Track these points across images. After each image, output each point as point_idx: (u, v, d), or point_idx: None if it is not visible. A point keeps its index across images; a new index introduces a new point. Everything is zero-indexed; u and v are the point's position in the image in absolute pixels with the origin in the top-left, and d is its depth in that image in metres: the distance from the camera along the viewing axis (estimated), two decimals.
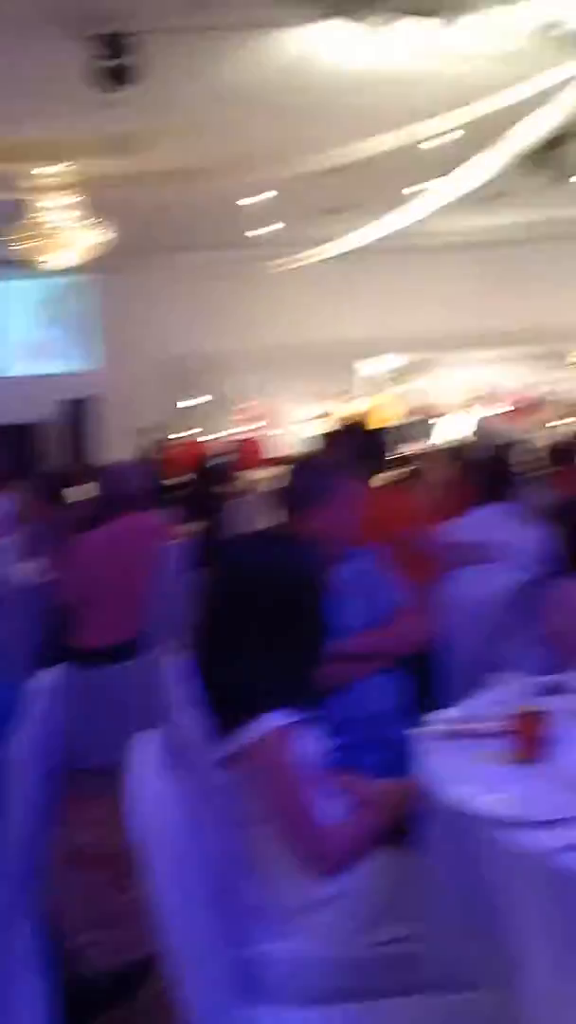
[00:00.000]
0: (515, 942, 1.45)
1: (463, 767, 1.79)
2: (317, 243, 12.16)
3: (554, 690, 2.11)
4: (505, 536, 3.94)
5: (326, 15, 6.58)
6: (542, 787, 1.66)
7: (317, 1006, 1.67)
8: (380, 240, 11.59)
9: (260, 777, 1.82)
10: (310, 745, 1.90)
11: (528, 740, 1.78)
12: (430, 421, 16.27)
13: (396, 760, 2.37)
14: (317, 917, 1.87)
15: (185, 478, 6.96)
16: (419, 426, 16.25)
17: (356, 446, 4.63)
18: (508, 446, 7.92)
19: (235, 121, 9.59)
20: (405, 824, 1.93)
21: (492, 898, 1.52)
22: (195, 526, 5.51)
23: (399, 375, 17.67)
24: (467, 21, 6.68)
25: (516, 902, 1.46)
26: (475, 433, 10.45)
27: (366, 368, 17.86)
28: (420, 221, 11.51)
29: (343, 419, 16.20)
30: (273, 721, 1.80)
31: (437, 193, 10.11)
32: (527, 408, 16.33)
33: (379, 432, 15.73)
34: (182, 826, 1.68)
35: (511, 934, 1.46)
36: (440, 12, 6.46)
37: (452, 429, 15.06)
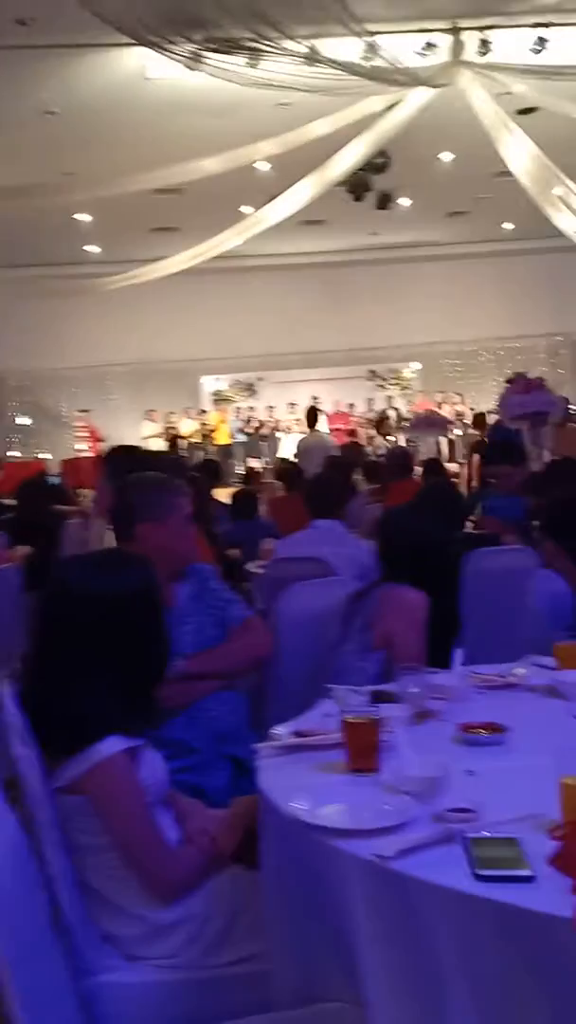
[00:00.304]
0: (358, 950, 1.46)
1: (301, 780, 1.79)
2: (149, 262, 12.14)
3: (386, 698, 2.16)
4: (339, 549, 4.03)
5: (139, 43, 6.61)
6: (376, 795, 1.69)
7: None
8: (216, 260, 11.70)
9: (99, 805, 1.78)
10: (150, 769, 1.87)
11: (361, 749, 1.81)
12: (274, 436, 16.51)
13: (242, 777, 2.37)
14: (163, 944, 1.85)
15: (16, 499, 6.73)
16: (258, 442, 16.46)
17: (197, 462, 4.63)
18: (341, 462, 8.14)
19: (60, 140, 9.46)
20: (250, 841, 1.93)
21: (334, 909, 1.53)
22: (26, 549, 5.34)
23: (239, 392, 17.83)
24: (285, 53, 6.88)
25: (356, 911, 1.47)
26: (310, 449, 10.63)
27: (208, 385, 17.94)
28: (254, 243, 11.73)
29: (182, 435, 16.23)
30: (110, 747, 1.77)
31: (263, 217, 10.32)
32: (359, 425, 16.83)
33: (219, 448, 15.76)
34: (15, 858, 1.62)
35: (354, 943, 1.47)
36: (241, 52, 6.62)
37: (289, 446, 15.31)
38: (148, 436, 16.20)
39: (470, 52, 8.16)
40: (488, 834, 1.49)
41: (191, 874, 1.88)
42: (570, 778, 1.51)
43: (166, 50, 6.86)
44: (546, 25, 8.12)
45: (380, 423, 16.39)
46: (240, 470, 15.16)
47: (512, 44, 8.21)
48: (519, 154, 9.34)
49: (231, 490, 7.25)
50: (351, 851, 1.50)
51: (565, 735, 1.97)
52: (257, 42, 6.82)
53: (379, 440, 16.00)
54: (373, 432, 16.54)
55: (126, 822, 1.79)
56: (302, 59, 7.13)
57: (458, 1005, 1.36)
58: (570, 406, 14.35)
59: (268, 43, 6.80)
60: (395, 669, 2.21)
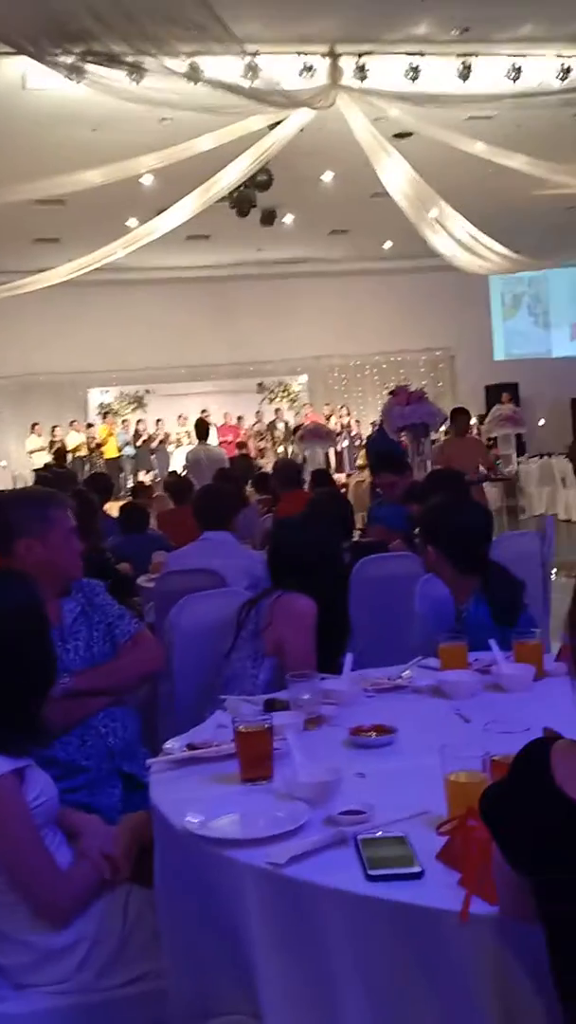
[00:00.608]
0: (253, 961, 1.46)
1: (194, 792, 1.79)
2: (31, 273, 11.91)
3: (278, 706, 2.17)
4: (230, 561, 4.04)
5: (19, 52, 6.51)
6: (269, 803, 1.70)
7: None
8: (102, 273, 11.58)
9: None
10: (38, 789, 1.83)
11: (254, 758, 1.82)
12: (164, 449, 16.39)
13: (135, 794, 2.34)
14: (53, 969, 1.80)
15: None
16: (148, 455, 16.32)
17: (85, 476, 4.56)
18: (231, 474, 8.16)
19: None
20: (142, 858, 1.91)
21: (230, 920, 1.53)
22: None
23: (127, 405, 17.65)
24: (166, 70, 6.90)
25: (251, 920, 1.48)
26: (200, 462, 10.61)
27: (95, 398, 17.68)
28: (141, 256, 11.67)
29: (68, 449, 15.93)
30: None
31: (149, 231, 10.29)
32: (248, 437, 16.91)
33: (108, 461, 15.50)
34: None
35: (249, 953, 1.47)
36: (123, 67, 6.61)
37: (179, 458, 15.25)
38: (33, 450, 15.86)
39: (347, 76, 8.36)
40: (379, 834, 1.52)
41: (82, 896, 1.84)
42: (455, 774, 1.56)
43: (46, 61, 6.77)
44: (419, 54, 8.40)
45: (274, 436, 16.60)
46: (130, 484, 14.99)
47: (388, 71, 8.45)
48: (396, 176, 9.59)
49: (121, 503, 7.16)
50: (245, 860, 1.50)
51: (450, 733, 2.02)
52: (138, 57, 6.81)
53: (269, 451, 16.13)
54: (263, 444, 16.65)
55: (13, 846, 1.75)
56: (183, 77, 7.15)
57: (353, 1007, 1.37)
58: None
59: (149, 59, 6.79)
60: (286, 676, 2.22)
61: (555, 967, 1.07)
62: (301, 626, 2.62)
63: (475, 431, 15.27)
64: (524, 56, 8.67)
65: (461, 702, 2.24)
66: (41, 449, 15.94)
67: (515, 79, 8.79)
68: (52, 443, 15.96)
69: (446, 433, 9.51)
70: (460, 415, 8.88)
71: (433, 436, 12.32)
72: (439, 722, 2.14)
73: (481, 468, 8.40)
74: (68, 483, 8.39)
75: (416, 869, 1.42)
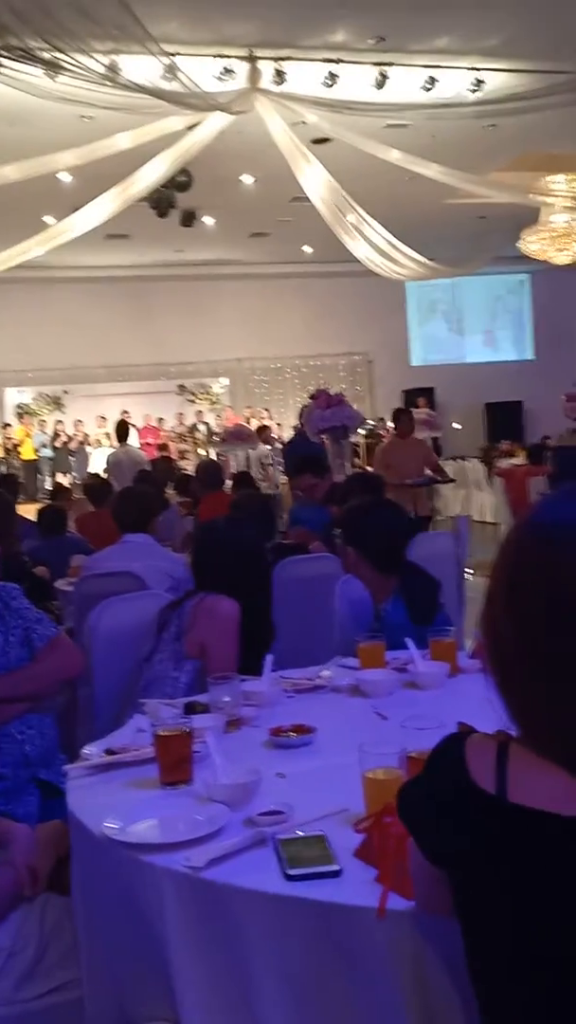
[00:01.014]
0: (173, 966, 1.45)
1: (113, 798, 1.77)
2: None
3: (199, 708, 2.17)
4: (151, 563, 4.01)
5: None
6: (189, 806, 1.70)
7: None
8: (18, 271, 11.35)
9: None
10: None
11: (174, 762, 1.81)
12: (83, 451, 16.14)
13: (52, 801, 2.31)
14: None
15: None
16: (67, 457, 16.06)
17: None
18: (152, 476, 8.10)
19: None
20: (59, 867, 1.88)
21: (149, 926, 1.52)
22: None
23: (45, 406, 17.34)
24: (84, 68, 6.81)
25: (171, 925, 1.46)
26: (120, 463, 10.50)
27: (12, 398, 17.32)
28: (59, 254, 11.48)
29: None
30: None
31: (67, 228, 10.13)
32: (170, 439, 16.80)
33: (25, 463, 15.16)
34: None
35: (169, 959, 1.46)
36: (39, 64, 6.52)
37: (99, 460, 15.05)
38: None
39: (266, 80, 8.39)
40: (298, 834, 1.53)
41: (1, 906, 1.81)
42: (372, 772, 1.58)
43: None
44: (337, 62, 8.48)
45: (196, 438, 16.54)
46: (48, 486, 14.75)
47: (306, 76, 8.52)
48: (315, 181, 9.65)
49: (38, 506, 7.04)
50: (164, 865, 1.49)
51: (368, 731, 2.05)
52: (55, 54, 6.71)
53: (190, 454, 16.05)
54: (184, 446, 16.57)
55: None
56: (101, 76, 7.07)
57: (272, 1007, 1.37)
58: (369, 421, 15.02)
59: (66, 57, 6.70)
60: (207, 679, 2.22)
61: (470, 961, 1.10)
62: (224, 628, 2.61)
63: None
64: (439, 67, 8.83)
65: (379, 700, 2.27)
66: None
67: (429, 90, 8.95)
68: None
69: (367, 437, 9.45)
70: (403, 415, 8.47)
71: (353, 439, 12.44)
72: (358, 721, 2.17)
73: (427, 471, 8.11)
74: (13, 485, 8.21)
75: (335, 867, 1.43)
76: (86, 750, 2.04)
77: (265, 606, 2.79)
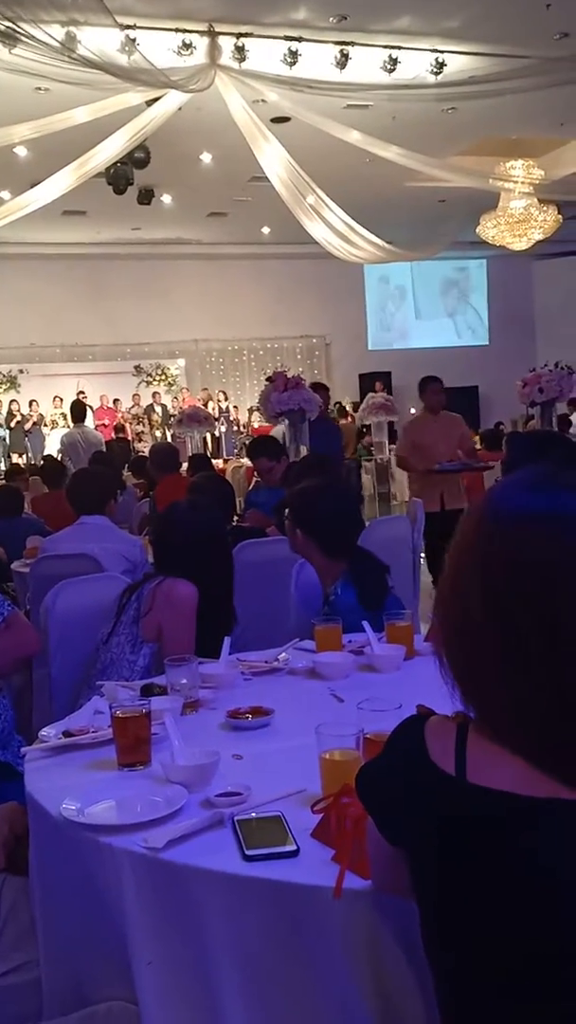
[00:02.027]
0: (130, 946, 1.46)
1: (71, 780, 1.77)
2: None
3: (156, 691, 2.17)
4: (107, 545, 3.99)
5: None
6: (147, 788, 1.70)
7: None
8: None
9: None
10: None
11: (131, 744, 1.81)
12: (39, 431, 15.93)
13: (9, 782, 2.30)
14: None
15: None
16: (23, 437, 15.85)
17: None
18: (108, 457, 8.05)
19: None
20: (17, 847, 1.88)
21: (107, 908, 1.52)
22: None
23: (0, 384, 17.08)
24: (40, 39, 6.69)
25: (129, 906, 1.47)
26: (76, 444, 10.40)
27: None
28: (13, 230, 11.28)
29: None
30: None
31: (22, 203, 9.96)
32: (126, 420, 16.65)
33: None
34: None
35: (126, 939, 1.47)
36: None
37: (53, 441, 14.88)
38: None
39: (226, 57, 8.30)
40: (255, 814, 1.54)
41: None
42: (329, 753, 1.60)
43: None
44: (298, 39, 8.42)
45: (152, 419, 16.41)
46: (1, 466, 14.56)
47: (266, 54, 8.44)
48: (274, 161, 9.60)
49: None
50: (122, 846, 1.49)
51: (325, 713, 2.06)
52: (11, 24, 6.56)
53: (147, 435, 15.94)
54: (140, 428, 16.44)
55: None
56: (57, 49, 6.94)
57: (230, 987, 1.39)
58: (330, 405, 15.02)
59: (21, 28, 6.56)
60: (166, 662, 2.23)
61: (426, 939, 1.12)
62: (181, 612, 2.62)
63: (349, 418, 15.55)
64: (400, 48, 8.81)
65: (335, 683, 2.29)
66: None
67: (391, 71, 8.93)
68: None
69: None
70: (431, 385, 6.85)
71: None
72: (314, 703, 2.18)
73: (460, 454, 6.76)
74: None
75: (292, 847, 1.44)
76: (44, 732, 2.04)
77: (226, 590, 2.79)
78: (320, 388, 8.07)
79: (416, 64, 9.01)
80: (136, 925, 1.46)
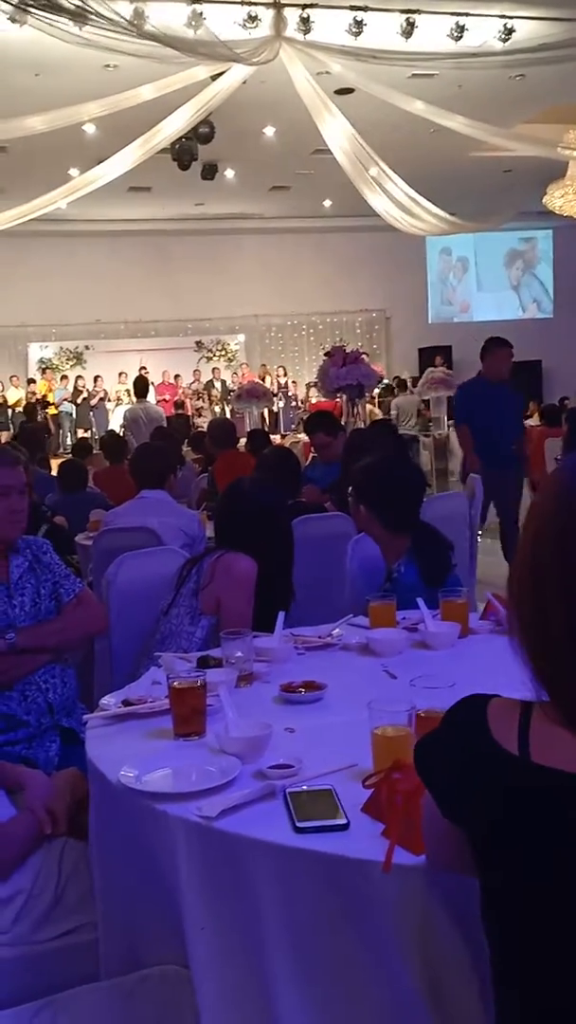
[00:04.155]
0: (184, 912, 1.49)
1: (130, 747, 1.81)
2: None
3: (212, 663, 2.21)
4: (166, 519, 4.05)
5: None
6: (202, 758, 1.74)
7: None
8: (42, 223, 11.29)
9: None
10: None
11: (187, 714, 1.85)
12: (103, 406, 16.15)
13: (72, 748, 2.38)
14: None
15: None
16: (88, 412, 16.08)
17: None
18: (169, 432, 8.11)
19: None
20: (78, 812, 1.94)
21: (162, 873, 1.56)
22: None
23: (67, 361, 17.32)
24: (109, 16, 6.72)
25: (183, 873, 1.50)
26: (138, 420, 10.52)
27: (35, 353, 17.30)
28: (81, 207, 11.40)
29: (8, 404, 15.61)
30: None
31: (90, 180, 10.05)
32: (186, 396, 16.77)
33: (50, 418, 15.15)
34: None
35: (180, 905, 1.50)
36: (65, 13, 6.43)
37: (117, 416, 15.07)
38: None
39: (291, 28, 8.23)
40: (306, 787, 1.56)
41: (21, 849, 1.86)
42: (381, 729, 1.62)
43: None
44: (363, 9, 8.29)
45: (215, 395, 16.50)
46: (69, 441, 14.79)
47: (331, 25, 8.34)
48: (337, 133, 9.50)
49: (59, 461, 7.10)
50: (177, 814, 1.52)
51: (377, 689, 2.07)
52: (80, 2, 6.60)
53: (206, 411, 16.03)
54: (200, 403, 16.54)
55: None
56: (126, 25, 6.96)
57: (280, 956, 1.41)
58: (384, 380, 14.91)
59: (90, 7, 6.59)
60: (221, 635, 2.26)
61: (486, 916, 1.12)
62: (239, 586, 2.64)
63: (408, 392, 15.41)
64: (467, 15, 8.63)
65: (388, 659, 2.30)
66: None
67: (458, 39, 8.75)
68: None
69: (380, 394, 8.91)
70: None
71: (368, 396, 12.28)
72: (367, 678, 2.20)
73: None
74: (40, 437, 8.23)
75: (342, 821, 1.46)
76: (104, 700, 2.10)
77: (284, 566, 2.80)
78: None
79: (483, 31, 8.81)
80: (189, 891, 1.49)
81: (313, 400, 15.71)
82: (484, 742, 1.08)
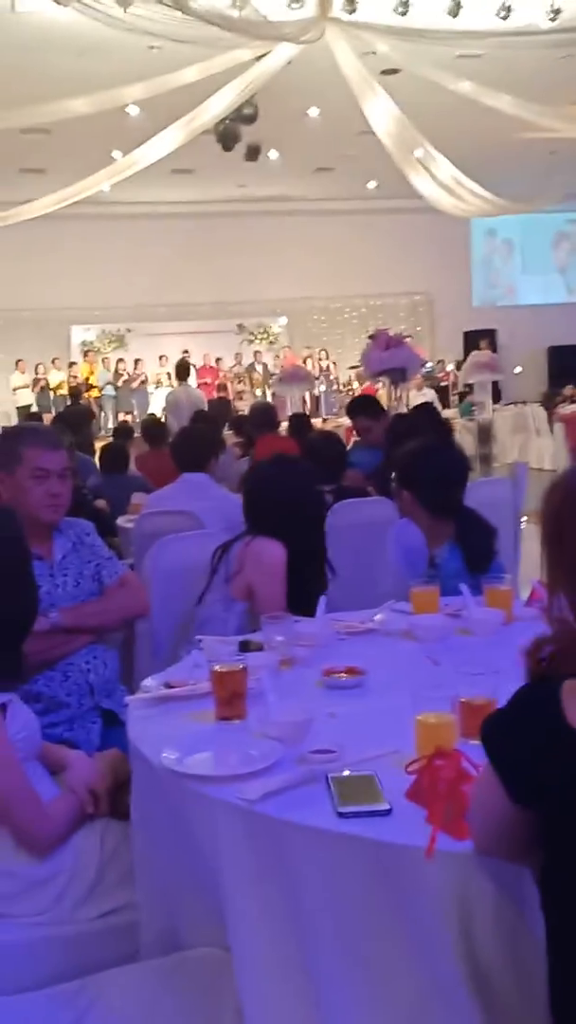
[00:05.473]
0: (225, 894, 1.50)
1: (171, 730, 1.82)
2: (16, 204, 11.62)
3: (253, 647, 2.21)
4: (207, 503, 4.06)
5: None
6: (243, 741, 1.74)
7: (36, 990, 1.65)
8: (84, 206, 11.34)
9: None
10: (20, 724, 1.85)
11: (229, 697, 1.85)
12: (144, 389, 16.24)
13: (113, 730, 2.39)
14: (33, 900, 1.84)
15: None
16: (129, 395, 16.19)
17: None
18: (210, 416, 8.12)
19: None
20: (119, 793, 1.95)
21: (203, 855, 1.56)
22: None
23: (109, 344, 17.43)
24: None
25: (224, 855, 1.51)
26: (179, 403, 10.55)
27: (78, 335, 17.42)
28: (124, 189, 11.42)
29: (50, 387, 15.76)
30: None
31: (133, 162, 10.06)
32: (227, 379, 16.79)
33: (93, 400, 15.22)
34: None
35: (221, 887, 1.51)
36: None
37: (158, 399, 15.14)
38: (17, 387, 15.68)
39: (337, 8, 8.14)
40: (348, 772, 1.56)
41: (63, 828, 1.87)
42: (424, 715, 1.60)
43: None
44: None
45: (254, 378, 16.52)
46: (110, 424, 14.90)
47: (377, 3, 8.23)
48: (382, 114, 9.40)
49: (102, 444, 7.15)
50: (219, 796, 1.53)
51: (420, 676, 2.06)
52: None
53: (247, 394, 16.04)
54: (241, 387, 16.55)
55: None
56: (170, 5, 6.93)
57: (320, 939, 1.41)
58: (428, 364, 14.79)
59: None
60: (262, 618, 2.26)
61: (549, 899, 1.12)
62: (270, 572, 2.64)
63: (451, 377, 15.29)
64: None
65: (431, 645, 2.28)
66: (24, 386, 15.76)
67: (505, 18, 8.60)
68: (36, 380, 15.79)
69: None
70: None
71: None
72: (409, 664, 2.19)
73: None
74: (83, 420, 8.30)
75: (384, 806, 1.45)
76: (146, 683, 2.11)
77: (316, 550, 2.78)
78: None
79: (531, 10, 8.64)
80: (229, 874, 1.50)
81: (355, 385, 15.67)
82: (557, 724, 1.07)
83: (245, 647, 2.20)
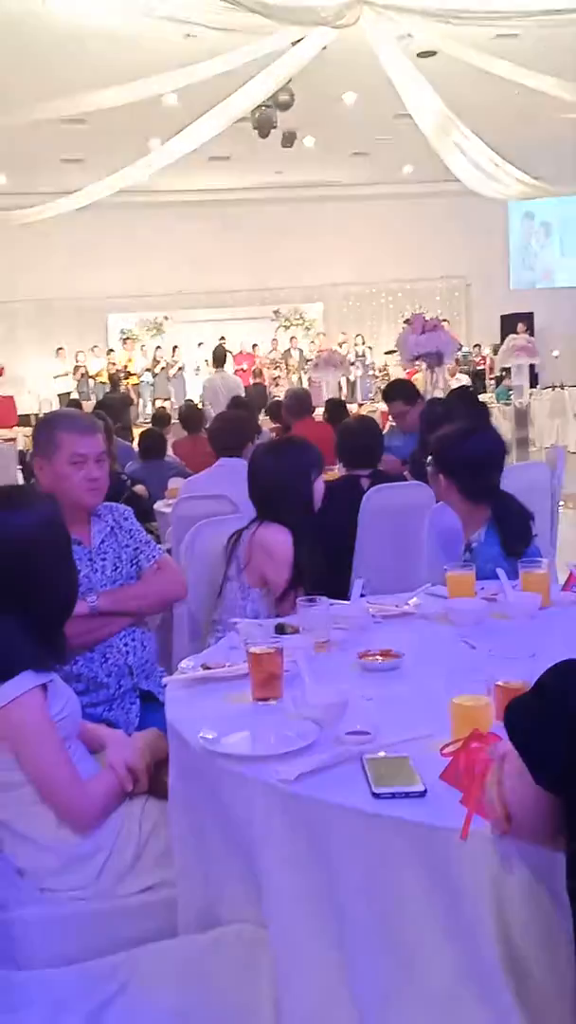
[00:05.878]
0: (261, 872, 1.52)
1: (208, 710, 1.84)
2: (56, 195, 11.70)
3: (289, 629, 2.23)
4: (243, 488, 4.07)
5: None
6: (279, 722, 1.76)
7: (77, 964, 1.69)
8: (122, 195, 11.39)
9: (13, 742, 1.79)
10: (62, 703, 1.88)
11: (265, 679, 1.87)
12: (181, 376, 16.30)
13: (151, 710, 2.43)
14: (75, 875, 1.87)
15: None
16: (167, 382, 16.26)
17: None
18: (246, 401, 8.14)
19: None
20: (157, 771, 1.98)
21: (240, 833, 1.58)
22: None
23: (147, 331, 17.50)
24: None
25: (260, 834, 1.53)
26: (216, 389, 10.59)
27: (116, 323, 17.52)
28: (161, 178, 11.45)
29: (89, 374, 15.88)
30: (22, 684, 1.78)
31: (170, 150, 10.07)
32: (264, 365, 16.79)
33: (132, 387, 15.29)
34: None
35: (257, 865, 1.53)
36: None
37: (195, 386, 15.19)
38: (57, 375, 15.83)
39: None
40: (383, 754, 1.57)
41: (103, 805, 1.91)
42: (458, 698, 1.61)
43: None
44: None
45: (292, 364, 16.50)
46: (149, 410, 14.98)
47: None
48: (418, 97, 9.31)
49: (140, 430, 7.21)
50: (255, 776, 1.55)
51: (455, 659, 2.06)
52: None
53: (283, 380, 16.03)
54: (277, 372, 16.54)
55: (40, 758, 1.81)
56: None
57: (355, 918, 1.43)
58: (463, 348, 14.65)
59: None
60: (298, 601, 2.27)
61: (573, 891, 1.11)
62: (278, 559, 2.67)
63: (488, 361, 15.14)
64: None
65: (467, 629, 2.28)
66: (64, 374, 15.90)
67: None
68: (76, 368, 15.92)
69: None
70: None
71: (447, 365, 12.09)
72: (445, 648, 2.19)
73: None
74: (122, 407, 8.35)
75: (419, 787, 1.46)
76: (183, 664, 2.13)
77: (305, 534, 2.74)
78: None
79: None
80: (266, 852, 1.52)
81: (390, 370, 15.58)
82: None
83: (281, 630, 2.22)
